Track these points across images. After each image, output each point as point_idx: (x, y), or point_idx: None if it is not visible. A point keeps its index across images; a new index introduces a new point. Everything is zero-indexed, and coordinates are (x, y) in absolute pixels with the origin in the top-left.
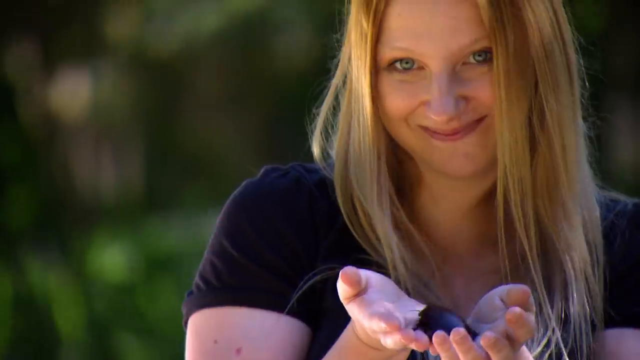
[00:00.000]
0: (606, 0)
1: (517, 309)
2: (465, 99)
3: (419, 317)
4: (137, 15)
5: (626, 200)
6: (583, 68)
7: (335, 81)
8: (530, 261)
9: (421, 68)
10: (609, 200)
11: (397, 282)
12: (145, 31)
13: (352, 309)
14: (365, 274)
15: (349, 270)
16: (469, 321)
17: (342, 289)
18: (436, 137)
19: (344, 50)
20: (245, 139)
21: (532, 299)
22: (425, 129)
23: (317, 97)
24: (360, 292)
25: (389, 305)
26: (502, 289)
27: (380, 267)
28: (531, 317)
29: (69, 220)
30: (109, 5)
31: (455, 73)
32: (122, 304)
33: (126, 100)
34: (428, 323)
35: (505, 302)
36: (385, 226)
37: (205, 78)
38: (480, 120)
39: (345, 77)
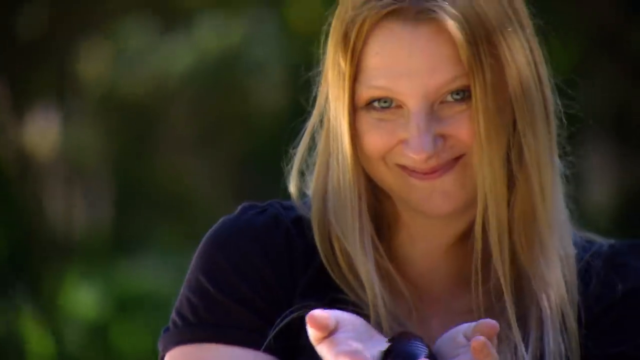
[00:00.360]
0: (581, 39)
1: (483, 338)
2: (443, 137)
3: (387, 345)
4: (108, 54)
5: (602, 241)
6: (560, 107)
7: (313, 120)
8: (507, 300)
9: (399, 106)
10: (585, 242)
11: (377, 323)
12: (116, 71)
13: (321, 349)
14: (334, 314)
15: (316, 314)
16: (435, 349)
17: (311, 331)
18: (414, 175)
19: (321, 89)
20: (218, 179)
21: (495, 339)
22: (403, 167)
23: (291, 136)
24: (330, 333)
25: (356, 344)
26: (467, 327)
27: (357, 307)
28: (495, 352)
29: (40, 259)
30: (80, 45)
31: (433, 111)
32: (94, 344)
33: (98, 139)
34: (392, 353)
35: (472, 334)
36: (367, 267)
37: (177, 118)
38: (458, 158)
39: (322, 116)
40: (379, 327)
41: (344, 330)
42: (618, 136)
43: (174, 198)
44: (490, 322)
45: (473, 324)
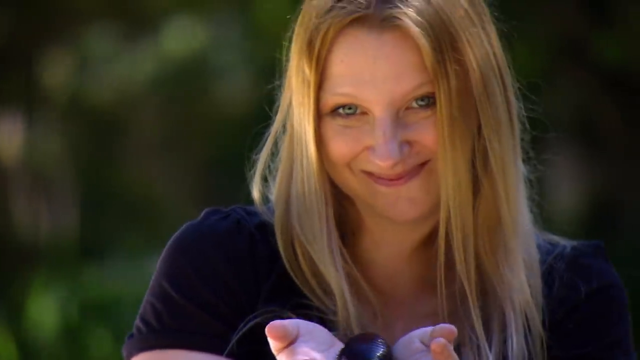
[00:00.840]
0: (546, 46)
1: (443, 340)
2: (409, 143)
3: (342, 345)
4: (73, 61)
5: (565, 243)
6: (523, 111)
7: (276, 126)
8: (471, 303)
9: (364, 113)
10: (548, 244)
11: (346, 329)
12: (82, 77)
13: (281, 358)
14: (295, 324)
15: (276, 324)
16: (395, 351)
17: (271, 341)
18: (380, 182)
19: (284, 95)
20: (183, 185)
21: (451, 346)
22: (369, 174)
23: (255, 142)
24: (290, 342)
25: (314, 353)
26: (424, 331)
27: (320, 312)
28: (454, 354)
29: (6, 266)
30: (45, 52)
31: (399, 118)
32: (62, 350)
33: (63, 146)
34: (345, 352)
35: (429, 340)
36: (337, 274)
37: (143, 124)
38: (423, 164)
39: (285, 122)
40: (348, 334)
41: (304, 340)
42: (584, 141)
43: (140, 203)
44: (448, 327)
45: (429, 329)
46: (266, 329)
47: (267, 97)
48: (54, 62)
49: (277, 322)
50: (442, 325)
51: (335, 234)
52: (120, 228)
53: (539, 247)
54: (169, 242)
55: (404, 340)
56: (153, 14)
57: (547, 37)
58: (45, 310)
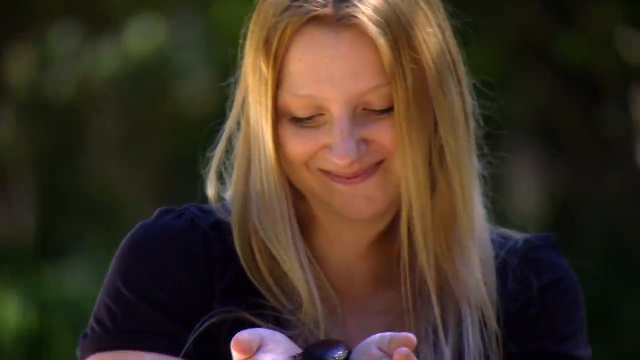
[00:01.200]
0: (507, 45)
1: (405, 349)
2: (366, 142)
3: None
4: (34, 59)
5: (517, 236)
6: (477, 108)
7: (230, 123)
8: (434, 299)
9: (321, 114)
10: (501, 237)
11: (312, 328)
12: (43, 75)
13: None
14: (258, 333)
15: (240, 338)
16: (352, 358)
17: (235, 353)
18: (337, 180)
19: (239, 92)
20: (144, 184)
21: (413, 355)
22: (326, 172)
23: (210, 140)
24: (252, 354)
25: None
26: (379, 339)
27: (276, 311)
28: None
29: None
30: (8, 48)
31: (356, 116)
32: (21, 351)
33: (23, 144)
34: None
35: (388, 347)
36: (302, 270)
37: (103, 123)
38: (380, 162)
39: (240, 118)
40: (313, 333)
41: (266, 350)
42: (545, 141)
43: (100, 202)
44: (407, 336)
45: (387, 335)
46: (232, 343)
47: (228, 97)
48: (16, 59)
49: (243, 334)
50: (400, 334)
51: (298, 232)
52: (80, 227)
53: (492, 241)
54: (122, 242)
55: (361, 346)
56: (115, 13)
57: (509, 36)
58: (4, 312)
